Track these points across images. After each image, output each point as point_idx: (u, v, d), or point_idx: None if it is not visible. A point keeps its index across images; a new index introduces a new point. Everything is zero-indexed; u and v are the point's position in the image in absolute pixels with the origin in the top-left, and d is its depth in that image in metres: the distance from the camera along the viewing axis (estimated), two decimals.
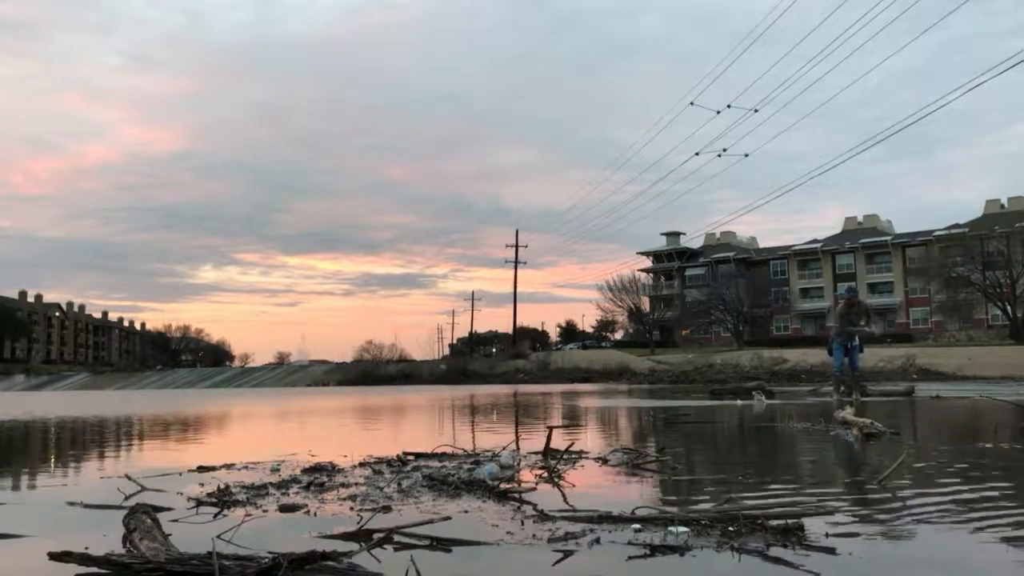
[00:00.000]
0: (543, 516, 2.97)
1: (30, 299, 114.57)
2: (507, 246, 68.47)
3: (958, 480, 3.90)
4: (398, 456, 5.03)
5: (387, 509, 3.24)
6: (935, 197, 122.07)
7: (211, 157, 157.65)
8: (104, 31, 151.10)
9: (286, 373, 71.00)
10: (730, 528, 2.63)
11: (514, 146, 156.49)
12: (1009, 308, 49.86)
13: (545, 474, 4.20)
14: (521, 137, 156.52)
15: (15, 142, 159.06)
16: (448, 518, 2.97)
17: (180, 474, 4.58)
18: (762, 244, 79.50)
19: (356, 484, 3.98)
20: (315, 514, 3.20)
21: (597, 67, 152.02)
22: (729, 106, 26.33)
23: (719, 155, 29.10)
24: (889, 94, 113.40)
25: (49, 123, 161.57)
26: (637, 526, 2.74)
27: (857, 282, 69.20)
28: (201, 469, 4.75)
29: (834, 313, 11.89)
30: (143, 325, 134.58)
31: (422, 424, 10.08)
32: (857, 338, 11.75)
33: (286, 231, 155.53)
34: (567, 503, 3.25)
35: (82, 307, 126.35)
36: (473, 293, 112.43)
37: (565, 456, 4.72)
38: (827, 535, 2.57)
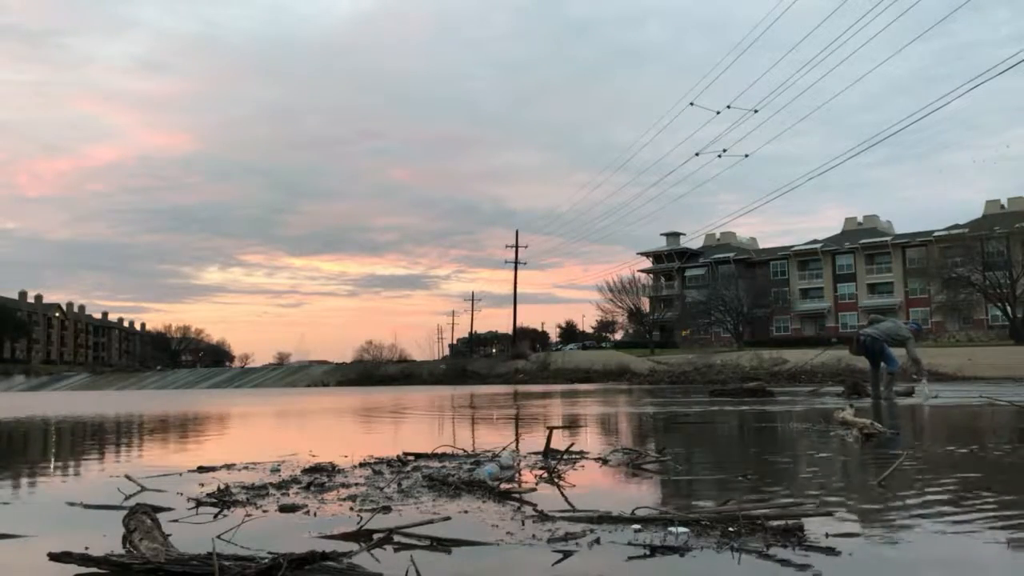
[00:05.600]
0: (543, 516, 2.97)
1: (30, 299, 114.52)
2: (507, 246, 68.53)
3: (957, 481, 3.90)
4: (398, 456, 5.03)
5: (387, 509, 3.24)
6: (935, 198, 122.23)
7: (220, 160, 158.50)
8: (118, 37, 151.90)
9: (286, 373, 70.99)
10: (730, 528, 2.63)
11: (519, 149, 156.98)
12: (1009, 308, 49.86)
13: (545, 474, 4.20)
14: (526, 140, 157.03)
15: (27, 145, 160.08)
16: (448, 518, 2.97)
17: (180, 474, 4.58)
18: (763, 245, 79.52)
19: (356, 484, 3.98)
20: (315, 514, 3.20)
21: (603, 73, 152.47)
22: (729, 107, 26.37)
23: (719, 155, 29.15)
24: (890, 100, 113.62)
25: (61, 127, 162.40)
26: (637, 526, 2.74)
27: (857, 282, 69.29)
28: (201, 469, 4.75)
29: (910, 336, 12.97)
30: (143, 325, 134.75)
31: (422, 424, 10.08)
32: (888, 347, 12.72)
33: (292, 233, 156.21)
34: (567, 503, 3.24)
35: (82, 307, 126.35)
36: (473, 294, 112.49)
37: (565, 456, 4.71)
38: (827, 535, 2.57)
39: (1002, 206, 64.20)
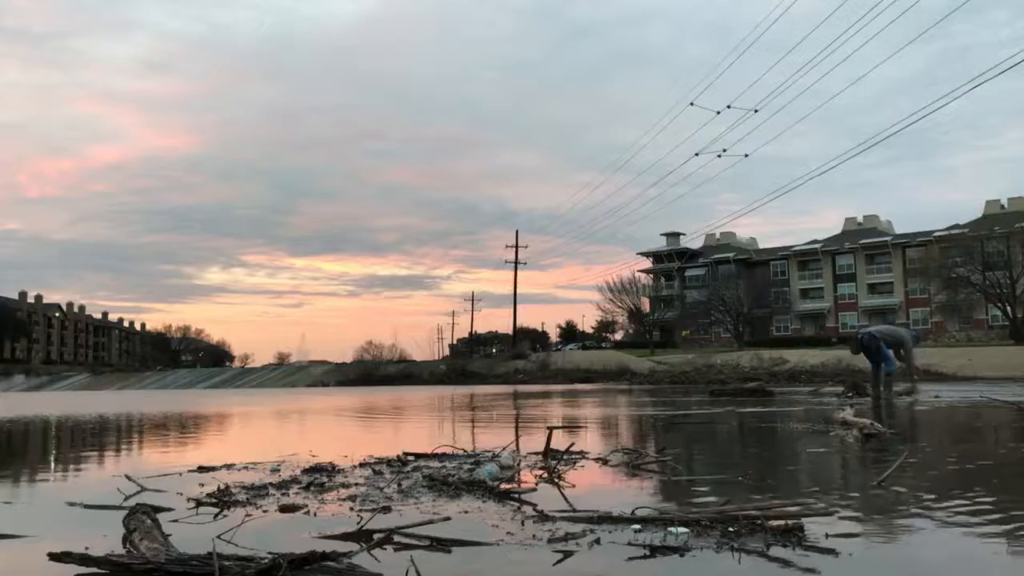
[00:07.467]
0: (543, 516, 2.97)
1: (30, 299, 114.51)
2: (508, 247, 68.47)
3: (957, 481, 3.90)
4: (398, 456, 5.03)
5: (387, 509, 3.24)
6: (935, 198, 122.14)
7: (222, 160, 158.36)
8: (121, 39, 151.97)
9: (286, 373, 70.95)
10: (730, 528, 2.63)
11: (521, 150, 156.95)
12: (1009, 309, 49.83)
13: (545, 474, 4.20)
14: (528, 141, 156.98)
15: (30, 146, 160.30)
16: (448, 518, 2.97)
17: (180, 474, 4.58)
18: (763, 245, 79.46)
19: (356, 484, 3.98)
20: (315, 514, 3.20)
21: (604, 75, 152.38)
22: (729, 106, 26.34)
23: (719, 155, 29.12)
24: (890, 102, 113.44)
25: (64, 127, 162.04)
26: (637, 526, 2.74)
27: (857, 282, 69.26)
28: (201, 469, 4.75)
29: (909, 343, 13.52)
30: (143, 325, 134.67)
31: (422, 424, 10.08)
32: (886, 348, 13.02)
33: (294, 233, 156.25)
34: (567, 503, 3.24)
35: (82, 307, 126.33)
36: (473, 294, 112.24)
37: (565, 456, 4.71)
38: (827, 536, 2.57)
39: (1002, 206, 64.15)
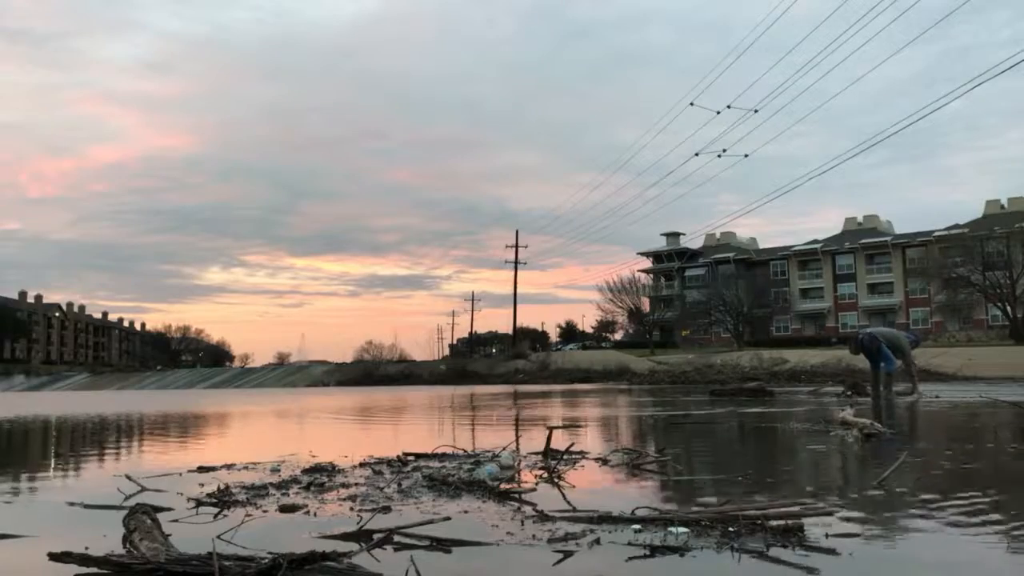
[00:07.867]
0: (543, 516, 2.97)
1: (30, 299, 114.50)
2: (508, 247, 68.48)
3: (957, 480, 3.90)
4: (398, 456, 5.03)
5: (387, 509, 3.24)
6: (935, 198, 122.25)
7: (223, 161, 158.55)
8: (122, 39, 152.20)
9: (286, 373, 70.92)
10: (730, 528, 2.63)
11: (521, 150, 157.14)
12: (1009, 308, 49.85)
13: (545, 474, 4.20)
14: (528, 141, 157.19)
15: (31, 146, 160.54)
16: (448, 518, 2.97)
17: (180, 474, 4.58)
18: (763, 245, 79.45)
19: (356, 484, 3.98)
20: (315, 514, 3.20)
21: (604, 75, 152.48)
22: (729, 107, 26.37)
23: (719, 155, 29.16)
24: (890, 102, 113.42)
25: (65, 128, 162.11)
26: (637, 526, 2.74)
27: (857, 282, 69.27)
28: (201, 469, 4.75)
29: (908, 348, 13.51)
30: (143, 325, 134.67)
31: (422, 424, 10.08)
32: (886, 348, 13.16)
33: (294, 233, 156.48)
34: (567, 503, 3.24)
35: (82, 307, 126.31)
36: (473, 294, 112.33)
37: (565, 456, 4.71)
38: (827, 536, 2.57)
39: (1002, 206, 64.15)
